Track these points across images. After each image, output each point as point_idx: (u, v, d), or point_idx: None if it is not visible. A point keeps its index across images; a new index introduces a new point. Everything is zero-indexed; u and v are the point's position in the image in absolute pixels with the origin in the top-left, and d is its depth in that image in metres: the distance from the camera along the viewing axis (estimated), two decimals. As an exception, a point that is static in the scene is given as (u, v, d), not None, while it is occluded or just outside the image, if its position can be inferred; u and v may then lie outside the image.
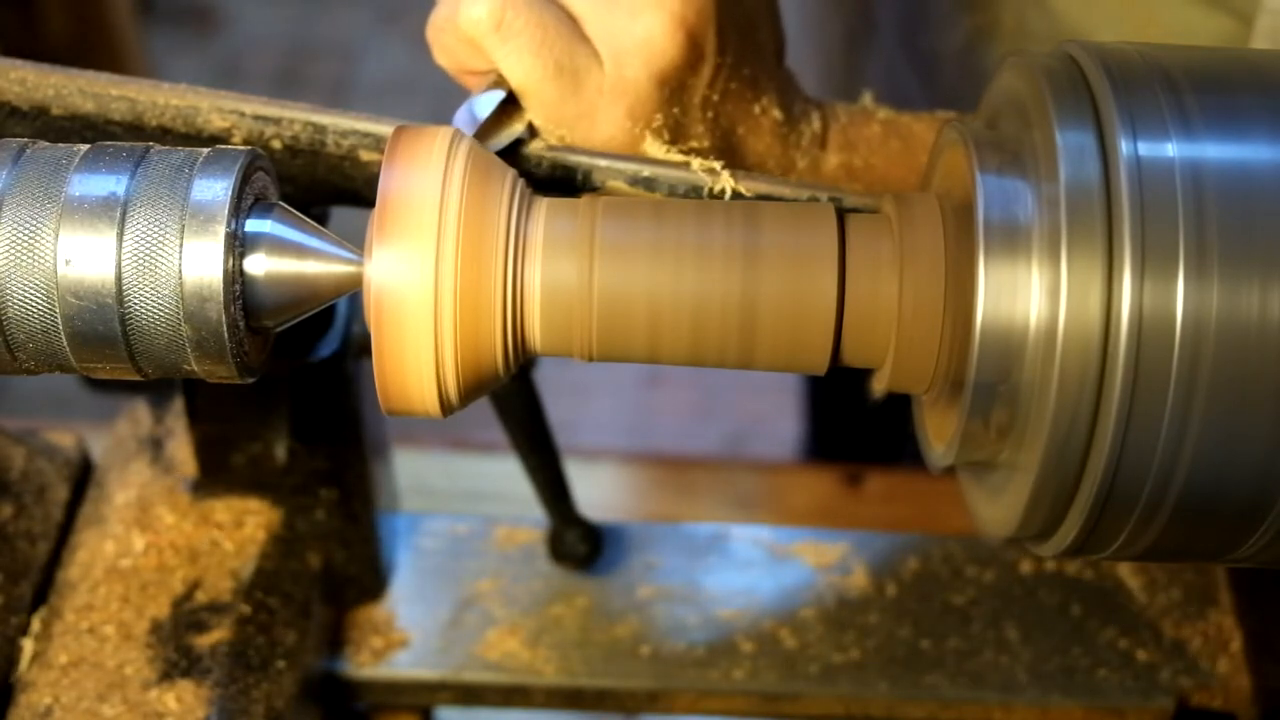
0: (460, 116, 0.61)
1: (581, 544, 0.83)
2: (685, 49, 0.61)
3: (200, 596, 0.74)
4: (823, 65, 1.17)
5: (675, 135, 0.63)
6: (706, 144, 0.64)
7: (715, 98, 0.64)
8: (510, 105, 0.62)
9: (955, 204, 0.55)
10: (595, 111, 0.62)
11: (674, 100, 0.62)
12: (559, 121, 0.62)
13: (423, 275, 0.52)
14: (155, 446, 0.82)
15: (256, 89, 0.63)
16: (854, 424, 1.35)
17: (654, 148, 0.62)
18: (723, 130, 0.65)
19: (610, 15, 0.61)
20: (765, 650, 0.82)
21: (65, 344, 0.52)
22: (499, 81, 0.62)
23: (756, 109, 0.66)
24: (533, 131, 0.63)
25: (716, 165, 0.62)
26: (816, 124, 0.69)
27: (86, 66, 0.63)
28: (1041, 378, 0.49)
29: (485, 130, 0.61)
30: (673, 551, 0.87)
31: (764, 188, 0.62)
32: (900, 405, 0.61)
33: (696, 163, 0.62)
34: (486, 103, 0.61)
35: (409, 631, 0.83)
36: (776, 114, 0.67)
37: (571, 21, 0.61)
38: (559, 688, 0.82)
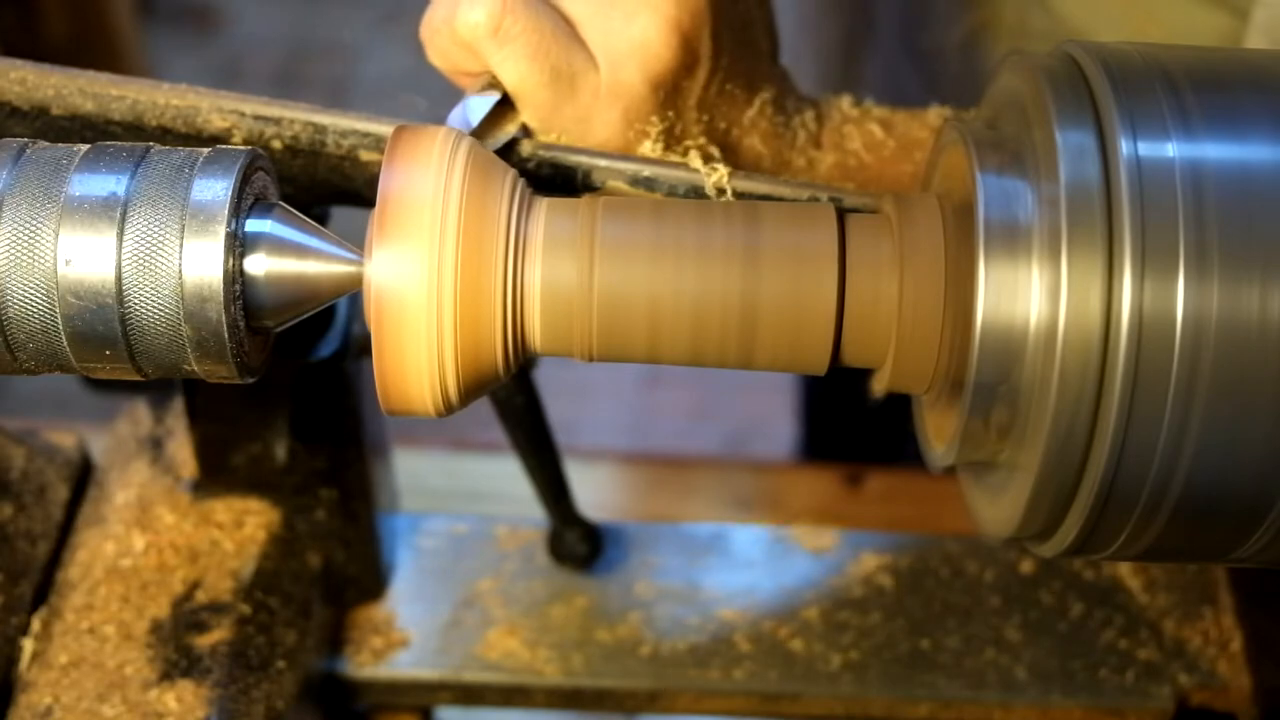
0: (454, 118, 0.61)
1: (581, 544, 0.83)
2: (680, 52, 0.61)
3: (200, 596, 0.74)
4: (820, 65, 1.17)
5: (670, 138, 0.63)
6: (701, 146, 0.64)
7: (710, 100, 0.64)
8: (504, 106, 0.62)
9: (955, 204, 0.55)
10: (591, 115, 0.62)
11: (669, 103, 0.62)
12: (554, 124, 0.62)
13: (423, 275, 0.52)
14: (155, 446, 0.82)
15: (256, 89, 0.63)
16: (852, 424, 1.35)
17: (649, 150, 0.62)
18: (718, 132, 0.65)
19: (606, 19, 0.61)
20: (765, 650, 0.82)
21: (65, 344, 0.52)
22: (494, 83, 0.62)
23: (751, 110, 0.66)
24: (527, 133, 0.63)
25: (717, 165, 0.62)
26: (811, 123, 0.69)
27: (86, 66, 0.63)
28: (1041, 378, 0.49)
29: (480, 132, 0.61)
30: (672, 551, 0.87)
31: (764, 188, 0.62)
32: (900, 405, 0.61)
33: (697, 162, 0.62)
34: (481, 105, 0.61)
35: (409, 631, 0.83)
36: (771, 114, 0.67)
37: (567, 25, 0.61)
38: (559, 688, 0.82)
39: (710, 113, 0.64)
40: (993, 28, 0.93)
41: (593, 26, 0.61)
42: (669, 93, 0.62)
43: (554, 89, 0.61)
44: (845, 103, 0.71)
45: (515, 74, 0.60)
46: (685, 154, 0.62)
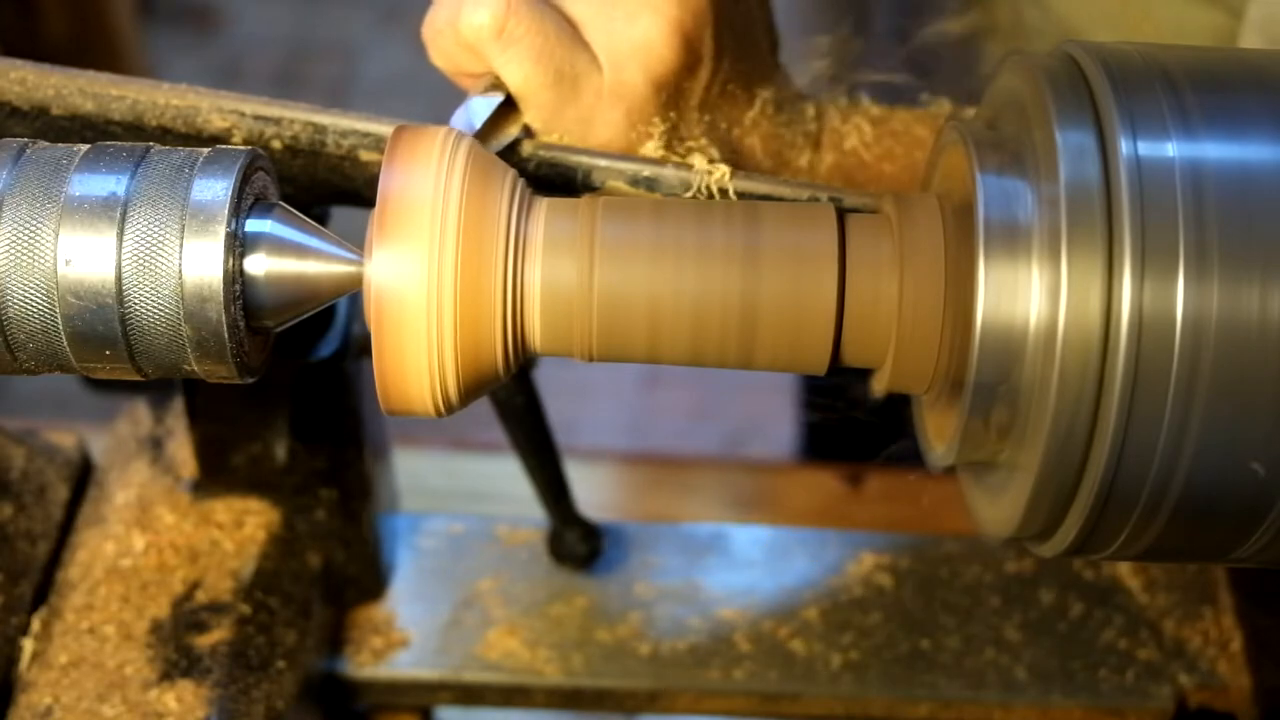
0: (457, 119, 0.61)
1: (581, 544, 0.83)
2: (682, 53, 0.61)
3: (200, 596, 0.74)
4: (815, 62, 1.17)
5: (672, 138, 0.63)
6: (703, 147, 0.64)
7: (712, 100, 0.64)
8: (507, 108, 0.62)
9: (955, 204, 0.55)
10: (593, 116, 0.62)
11: (671, 104, 0.63)
12: (557, 125, 0.62)
13: (423, 275, 0.52)
14: (155, 446, 0.82)
15: (256, 89, 0.63)
16: (850, 425, 1.35)
17: (651, 151, 0.62)
18: (719, 132, 0.65)
19: (609, 20, 0.61)
20: (765, 650, 0.82)
21: (65, 344, 0.52)
22: (496, 84, 0.62)
23: (753, 110, 0.66)
24: (529, 134, 0.63)
25: (718, 164, 0.62)
26: (811, 124, 0.69)
27: (86, 66, 0.63)
28: (1041, 378, 0.49)
29: (483, 134, 0.61)
30: (672, 551, 0.87)
31: (764, 188, 0.62)
32: (900, 406, 0.61)
33: (698, 162, 0.62)
34: (484, 106, 0.61)
35: (409, 631, 0.83)
36: (772, 114, 0.67)
37: (570, 27, 0.61)
38: (559, 688, 0.82)
39: (712, 113, 0.64)
40: (988, 26, 0.93)
41: (595, 28, 0.61)
42: (671, 94, 0.62)
43: (557, 90, 0.61)
44: (843, 102, 0.71)
45: (519, 75, 0.60)
46: (687, 155, 0.62)
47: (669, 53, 0.61)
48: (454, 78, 0.64)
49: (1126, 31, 0.82)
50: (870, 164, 0.69)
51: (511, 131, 0.62)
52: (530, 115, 0.62)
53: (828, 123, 0.69)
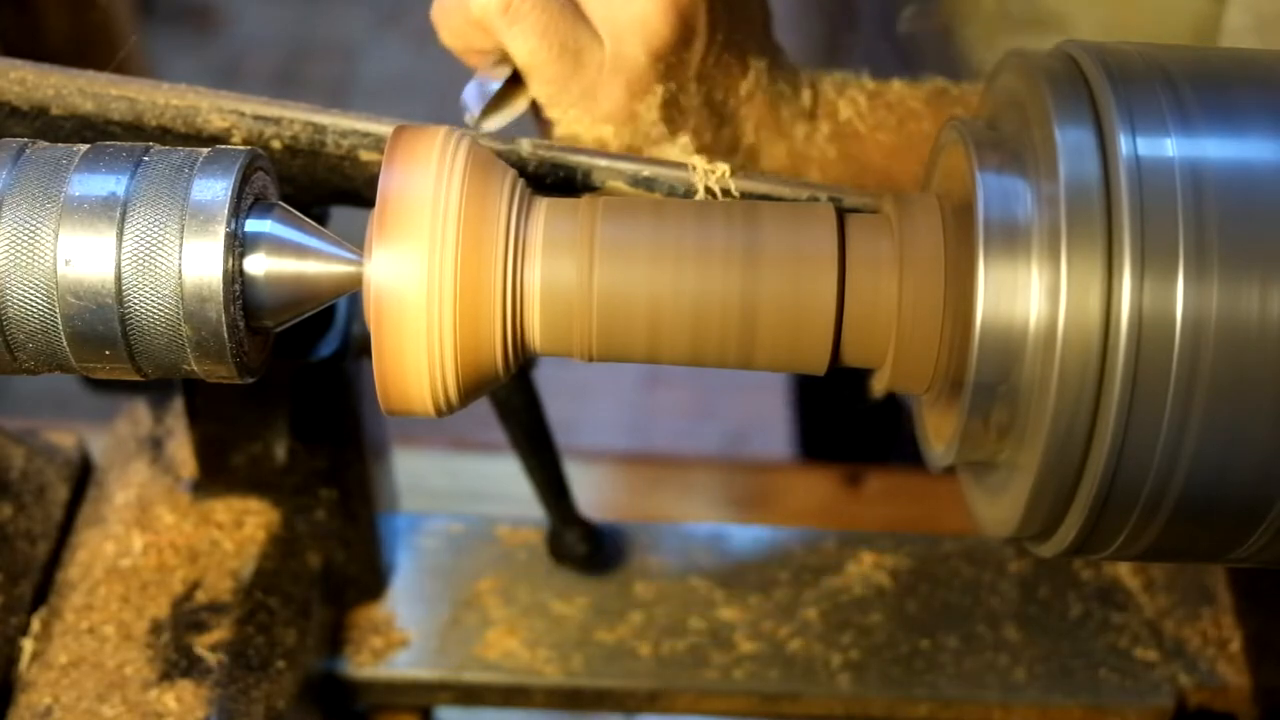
0: (470, 92, 0.63)
1: (581, 544, 0.83)
2: (678, 27, 0.63)
3: (200, 596, 0.74)
4: (804, 51, 1.17)
5: (671, 108, 0.65)
6: (701, 116, 0.66)
7: (708, 71, 0.66)
8: (514, 83, 0.65)
9: (955, 204, 0.55)
10: (596, 88, 0.64)
11: (669, 75, 0.65)
12: (561, 98, 0.64)
13: (422, 275, 0.52)
14: (155, 446, 0.82)
15: (256, 89, 0.64)
16: (849, 424, 1.35)
17: (650, 118, 0.64)
18: (716, 103, 0.67)
19: None
20: (765, 650, 0.82)
21: (65, 344, 0.52)
22: (504, 60, 0.64)
23: (748, 81, 0.68)
24: (535, 108, 0.65)
25: (718, 165, 0.62)
26: (807, 96, 0.71)
27: (86, 66, 0.63)
28: (1041, 378, 0.49)
29: (491, 107, 0.63)
30: (672, 551, 0.87)
31: (764, 187, 0.62)
32: (898, 406, 0.61)
33: (699, 162, 0.62)
34: (492, 81, 0.64)
35: (409, 631, 0.83)
36: (767, 84, 0.69)
37: (573, 3, 0.64)
38: (559, 688, 0.82)
39: (708, 83, 0.66)
40: (972, 12, 0.92)
41: (596, 4, 0.63)
42: (669, 65, 0.64)
43: (561, 64, 0.63)
44: (838, 75, 0.72)
45: (525, 49, 0.63)
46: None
47: (664, 27, 0.63)
48: (462, 55, 0.66)
49: (1109, 16, 0.82)
50: (865, 135, 0.71)
51: (519, 104, 0.65)
52: (536, 88, 0.64)
53: (822, 94, 0.71)
